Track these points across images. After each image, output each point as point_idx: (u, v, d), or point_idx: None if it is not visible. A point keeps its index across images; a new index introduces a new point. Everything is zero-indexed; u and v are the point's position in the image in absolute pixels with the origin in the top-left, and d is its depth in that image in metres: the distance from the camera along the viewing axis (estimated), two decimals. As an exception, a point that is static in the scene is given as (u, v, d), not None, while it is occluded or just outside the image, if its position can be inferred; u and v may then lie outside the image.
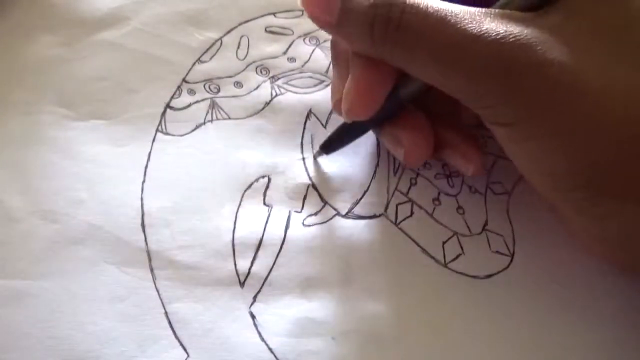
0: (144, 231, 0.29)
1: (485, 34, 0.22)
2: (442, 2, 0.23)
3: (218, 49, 0.33)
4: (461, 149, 0.28)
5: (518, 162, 0.25)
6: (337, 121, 0.31)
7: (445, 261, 0.28)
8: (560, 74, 0.22)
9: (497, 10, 0.23)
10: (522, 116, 0.23)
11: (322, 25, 0.26)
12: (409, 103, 0.27)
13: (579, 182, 0.23)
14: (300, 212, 0.29)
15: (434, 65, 0.23)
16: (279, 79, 0.32)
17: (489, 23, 0.22)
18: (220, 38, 0.33)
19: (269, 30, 0.34)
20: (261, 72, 0.33)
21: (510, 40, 0.22)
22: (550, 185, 0.24)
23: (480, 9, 0.23)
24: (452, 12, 0.23)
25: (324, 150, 0.30)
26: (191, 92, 0.32)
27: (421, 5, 0.23)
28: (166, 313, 0.27)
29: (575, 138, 0.22)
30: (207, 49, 0.33)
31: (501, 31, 0.22)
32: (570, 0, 0.23)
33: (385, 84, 0.26)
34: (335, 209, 0.29)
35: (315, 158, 0.30)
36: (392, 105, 0.27)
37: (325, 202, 0.30)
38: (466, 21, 0.22)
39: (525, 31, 0.22)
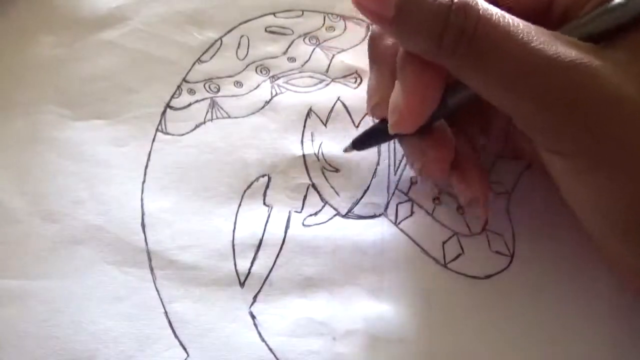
0: (144, 231, 0.29)
1: (557, 56, 0.21)
2: (512, 16, 0.22)
3: (218, 49, 0.33)
4: (468, 176, 0.27)
5: (571, 196, 0.24)
6: (337, 121, 0.31)
7: (445, 261, 0.28)
8: (628, 109, 0.21)
9: (564, 35, 0.22)
10: (585, 147, 0.22)
11: (375, 19, 0.24)
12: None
13: (636, 220, 0.22)
14: (301, 212, 0.29)
15: (504, 85, 0.22)
16: (279, 78, 0.32)
17: (560, 47, 0.21)
18: (220, 38, 0.33)
19: (269, 30, 0.34)
20: (261, 71, 0.33)
21: (581, 68, 0.21)
22: (603, 222, 0.23)
23: (546, 30, 0.22)
24: (523, 29, 0.22)
25: (355, 147, 0.29)
26: (191, 91, 0.32)
27: (494, 18, 0.22)
28: (166, 313, 0.27)
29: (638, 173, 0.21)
30: (207, 49, 0.33)
31: (575, 57, 0.21)
32: (635, 38, 0.22)
33: (437, 97, 0.25)
34: (335, 209, 0.29)
35: (345, 152, 0.29)
36: (434, 116, 0.25)
37: (325, 202, 0.29)
38: (540, 41, 0.21)
39: (596, 62, 0.21)
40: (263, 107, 0.32)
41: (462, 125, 0.28)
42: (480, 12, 0.22)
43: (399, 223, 0.29)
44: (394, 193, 0.30)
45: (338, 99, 0.31)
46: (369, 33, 0.28)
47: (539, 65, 0.21)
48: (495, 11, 0.22)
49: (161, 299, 0.27)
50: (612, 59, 0.22)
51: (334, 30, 0.33)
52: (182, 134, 0.31)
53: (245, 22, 0.34)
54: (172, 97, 0.32)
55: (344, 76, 0.32)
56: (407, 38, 0.24)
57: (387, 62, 0.26)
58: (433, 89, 0.25)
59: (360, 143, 0.29)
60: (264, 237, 0.29)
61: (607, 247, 0.24)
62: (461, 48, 0.22)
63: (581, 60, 0.21)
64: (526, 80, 0.22)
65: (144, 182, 0.30)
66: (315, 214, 0.29)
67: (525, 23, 0.22)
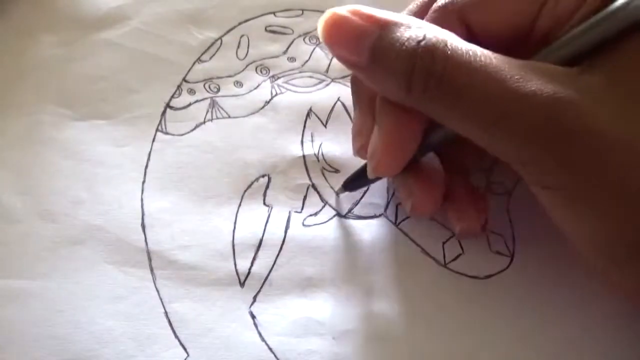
0: (144, 231, 0.29)
1: (534, 93, 0.21)
2: (483, 50, 0.22)
3: (218, 49, 0.33)
4: (468, 211, 0.27)
5: (562, 226, 0.23)
6: (337, 122, 0.31)
7: (445, 261, 0.28)
8: (613, 141, 0.20)
9: (537, 64, 0.22)
10: (565, 182, 0.21)
11: (349, 65, 0.24)
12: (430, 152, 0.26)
13: (627, 249, 0.22)
14: (301, 212, 0.29)
15: (477, 124, 0.22)
16: (279, 78, 0.32)
17: (536, 80, 0.21)
18: (220, 37, 0.33)
19: (269, 30, 0.34)
20: (261, 71, 0.33)
21: (561, 101, 0.20)
22: (590, 251, 0.23)
23: (520, 60, 0.22)
24: (495, 65, 0.21)
25: (346, 188, 0.29)
26: (191, 91, 0.32)
27: (464, 57, 0.21)
28: (166, 313, 0.27)
29: (627, 205, 0.21)
30: (207, 49, 0.33)
31: (550, 91, 0.21)
32: (613, 58, 0.21)
33: (415, 139, 0.24)
34: (335, 209, 0.29)
35: (337, 195, 0.30)
36: (416, 154, 0.25)
37: (325, 202, 0.30)
38: (512, 77, 0.21)
39: (570, 93, 0.21)
40: (263, 107, 0.32)
41: (452, 156, 0.28)
42: (449, 52, 0.21)
43: (399, 223, 0.29)
44: (393, 193, 0.30)
45: (338, 99, 0.32)
46: (350, 75, 0.28)
47: (515, 105, 0.21)
48: (466, 49, 0.21)
49: (161, 299, 0.27)
50: (588, 86, 0.21)
51: (334, 29, 0.33)
52: (182, 134, 0.31)
53: (245, 21, 0.34)
54: (172, 97, 0.32)
55: (344, 76, 0.32)
56: (379, 83, 0.24)
57: (369, 105, 0.26)
58: (411, 133, 0.24)
59: (351, 185, 0.29)
60: (264, 237, 0.29)
61: (600, 271, 0.24)
62: (430, 91, 0.22)
63: (557, 94, 0.21)
64: (503, 121, 0.21)
65: (144, 182, 0.30)
66: (315, 214, 0.29)
67: (500, 58, 0.22)
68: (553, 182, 0.22)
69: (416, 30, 0.22)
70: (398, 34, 0.22)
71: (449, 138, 0.25)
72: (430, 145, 0.25)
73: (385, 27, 0.22)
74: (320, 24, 0.23)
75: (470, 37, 0.23)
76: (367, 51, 0.22)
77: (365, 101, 0.26)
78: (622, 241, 0.22)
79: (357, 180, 0.29)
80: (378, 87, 0.24)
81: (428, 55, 0.21)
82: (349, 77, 0.32)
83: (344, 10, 0.23)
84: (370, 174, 0.26)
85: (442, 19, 0.24)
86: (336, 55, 0.24)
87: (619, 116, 0.21)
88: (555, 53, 0.22)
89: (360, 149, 0.27)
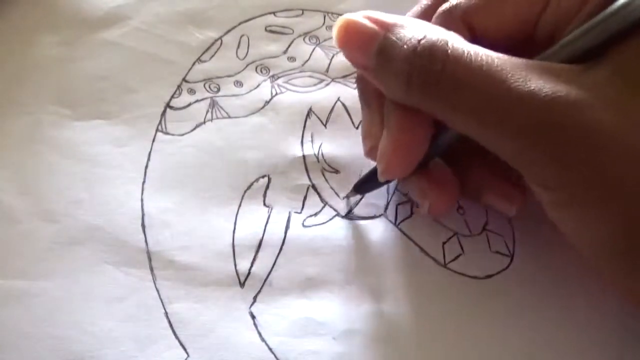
0: (144, 231, 0.29)
1: (532, 94, 0.21)
2: (485, 50, 0.22)
3: (218, 48, 0.33)
4: (502, 190, 0.27)
5: (561, 226, 0.24)
6: (337, 122, 0.31)
7: (445, 261, 0.28)
8: (605, 138, 0.20)
9: (542, 63, 0.22)
10: (568, 180, 0.21)
11: (360, 68, 0.24)
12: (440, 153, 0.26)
13: (624, 247, 0.22)
14: (300, 212, 0.29)
15: (475, 123, 0.22)
16: (279, 78, 0.32)
17: (536, 80, 0.21)
18: (220, 37, 0.33)
19: (269, 30, 0.34)
20: (261, 71, 0.33)
21: (559, 101, 0.21)
22: (590, 251, 0.23)
23: (523, 60, 0.22)
24: (497, 65, 0.21)
25: (357, 191, 0.29)
26: (191, 91, 0.32)
27: (464, 56, 0.21)
28: (166, 313, 0.27)
29: (625, 204, 0.21)
30: (207, 49, 0.33)
31: (549, 91, 0.21)
32: (617, 56, 0.21)
33: (424, 141, 0.25)
34: (335, 210, 0.29)
35: (348, 198, 0.30)
36: (426, 156, 0.25)
37: (325, 203, 0.30)
38: (512, 77, 0.21)
39: (574, 91, 0.21)
40: (263, 107, 0.32)
41: (469, 150, 0.27)
42: (449, 51, 0.22)
43: (399, 224, 0.29)
44: (393, 194, 0.30)
45: (338, 99, 0.31)
46: (356, 74, 0.28)
47: (514, 104, 0.21)
48: (466, 49, 0.22)
49: (161, 300, 0.27)
50: (591, 83, 0.21)
51: (334, 29, 0.33)
52: (182, 134, 0.31)
53: (245, 21, 0.34)
54: (172, 97, 0.32)
55: (344, 76, 0.32)
56: (384, 84, 0.24)
57: (377, 105, 0.26)
58: (419, 135, 0.25)
59: (362, 187, 0.29)
60: (264, 238, 0.29)
61: (600, 271, 0.24)
62: (430, 90, 0.22)
63: (558, 92, 0.21)
64: (501, 119, 0.21)
65: (144, 182, 0.30)
66: (315, 214, 0.29)
67: (502, 57, 0.22)
68: (552, 182, 0.22)
69: (418, 30, 0.23)
70: (401, 34, 0.23)
71: (458, 140, 0.25)
72: (439, 148, 0.25)
73: (390, 29, 0.23)
74: (334, 28, 0.24)
75: (474, 41, 0.23)
76: (374, 53, 0.23)
77: (374, 101, 0.27)
78: (620, 241, 0.22)
79: (368, 183, 0.29)
80: (384, 89, 0.24)
81: (427, 54, 0.22)
82: (349, 77, 0.32)
83: (356, 16, 0.24)
84: (380, 177, 0.26)
85: (447, 23, 0.24)
86: (348, 58, 0.24)
87: (622, 113, 0.21)
88: (559, 53, 0.22)
89: (370, 151, 0.27)
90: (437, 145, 0.25)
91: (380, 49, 0.23)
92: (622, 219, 0.21)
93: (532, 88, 0.21)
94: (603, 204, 0.21)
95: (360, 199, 0.29)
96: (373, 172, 0.27)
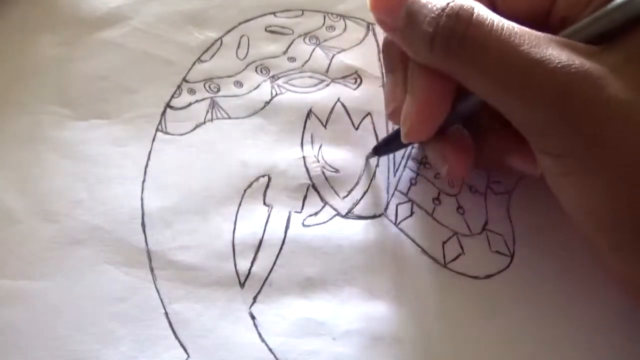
0: (144, 231, 0.29)
1: (547, 61, 0.22)
2: (508, 21, 0.23)
3: (218, 49, 0.33)
4: (526, 151, 0.27)
5: (562, 196, 0.24)
6: (337, 123, 0.31)
7: (445, 261, 0.28)
8: (616, 110, 0.21)
9: (561, 39, 0.23)
10: (572, 148, 0.22)
11: (387, 29, 0.26)
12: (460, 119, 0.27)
13: (622, 221, 0.22)
14: (300, 212, 0.29)
15: (493, 85, 0.23)
16: (279, 78, 0.32)
17: (552, 49, 0.22)
18: (221, 37, 0.33)
19: (269, 30, 0.34)
20: (261, 71, 0.33)
21: (572, 70, 0.21)
22: (592, 223, 0.23)
23: (545, 34, 0.23)
24: (517, 32, 0.22)
25: (376, 153, 0.30)
26: (191, 91, 0.32)
27: (487, 22, 0.23)
28: (166, 313, 0.27)
29: (625, 175, 0.22)
30: (207, 49, 0.33)
31: (563, 60, 0.22)
32: (629, 42, 0.22)
33: (446, 104, 0.25)
34: (335, 209, 0.29)
35: (367, 159, 0.30)
36: (448, 120, 0.26)
37: (325, 203, 0.30)
38: (530, 44, 0.22)
39: (587, 64, 0.22)
40: (263, 107, 0.32)
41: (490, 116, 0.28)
42: (474, 15, 0.23)
43: (399, 223, 0.29)
44: (393, 194, 0.30)
45: (338, 99, 0.32)
46: (383, 40, 0.29)
47: (530, 67, 0.22)
48: (489, 15, 0.23)
49: (161, 300, 0.27)
50: (608, 61, 0.22)
51: (334, 29, 0.33)
52: (182, 134, 0.31)
53: (245, 21, 0.34)
54: (172, 97, 0.32)
55: (344, 77, 0.32)
56: (409, 45, 0.25)
57: (401, 69, 0.27)
58: (442, 98, 0.25)
59: (381, 149, 0.29)
60: (264, 238, 0.29)
61: (600, 253, 0.24)
62: (452, 50, 0.23)
63: (572, 62, 0.22)
64: (517, 82, 0.22)
65: (144, 181, 0.30)
66: (315, 214, 0.29)
67: (520, 27, 0.23)
68: (559, 149, 0.23)
69: None
70: None
71: (479, 104, 0.25)
72: (460, 113, 0.26)
73: None
74: None
75: None
76: (403, 14, 0.24)
77: (399, 65, 0.27)
78: (615, 217, 0.22)
79: (388, 145, 0.29)
80: (408, 50, 0.25)
81: (453, 16, 0.23)
82: (349, 78, 0.32)
83: None
84: (403, 139, 0.26)
85: None
86: (378, 20, 0.26)
87: (630, 90, 0.21)
88: (576, 34, 0.23)
89: (392, 113, 0.28)
90: (458, 110, 0.26)
91: (408, 11, 0.24)
92: (623, 189, 0.22)
93: (548, 55, 0.22)
94: (608, 173, 0.22)
95: (360, 199, 0.29)
96: (393, 135, 0.28)
